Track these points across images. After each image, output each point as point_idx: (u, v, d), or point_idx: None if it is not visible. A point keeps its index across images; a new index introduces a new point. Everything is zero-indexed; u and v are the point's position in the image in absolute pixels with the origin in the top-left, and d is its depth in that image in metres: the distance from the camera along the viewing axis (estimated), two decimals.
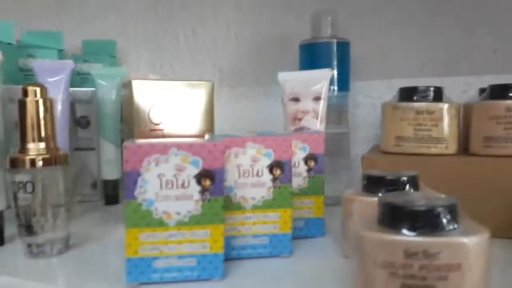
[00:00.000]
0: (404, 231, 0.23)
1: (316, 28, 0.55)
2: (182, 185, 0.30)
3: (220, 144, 0.30)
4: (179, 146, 0.30)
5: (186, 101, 0.43)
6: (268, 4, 0.66)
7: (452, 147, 0.42)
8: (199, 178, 0.30)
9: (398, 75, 0.58)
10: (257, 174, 0.34)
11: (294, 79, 0.47)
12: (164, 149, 0.29)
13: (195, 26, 0.72)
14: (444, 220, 0.23)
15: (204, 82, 0.44)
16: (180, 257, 0.30)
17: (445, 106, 0.42)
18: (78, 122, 0.58)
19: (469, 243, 0.22)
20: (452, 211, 0.24)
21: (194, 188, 0.30)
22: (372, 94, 0.60)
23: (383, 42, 0.59)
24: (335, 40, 0.54)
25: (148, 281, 0.29)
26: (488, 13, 0.54)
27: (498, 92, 0.41)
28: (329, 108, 0.53)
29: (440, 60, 0.56)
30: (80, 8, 0.80)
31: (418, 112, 0.43)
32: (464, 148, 0.43)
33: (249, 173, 0.34)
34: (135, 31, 0.76)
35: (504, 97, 0.40)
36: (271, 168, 0.34)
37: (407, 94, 0.44)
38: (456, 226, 0.23)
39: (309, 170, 0.40)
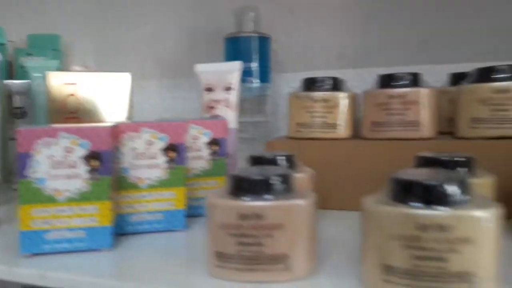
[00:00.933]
0: (242, 197, 0.27)
1: (239, 23, 0.59)
2: (71, 165, 0.33)
3: (106, 129, 0.33)
4: (67, 130, 0.33)
5: (103, 91, 0.46)
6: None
7: (346, 132, 0.47)
8: (88, 159, 0.33)
9: (319, 67, 0.63)
10: (152, 157, 0.38)
11: (208, 70, 0.50)
12: (53, 133, 0.33)
13: (136, 19, 0.75)
14: (275, 188, 0.27)
15: (120, 73, 0.47)
16: (71, 229, 0.33)
17: (340, 95, 0.46)
18: (14, 113, 0.61)
19: (291, 206, 0.26)
20: (284, 180, 0.28)
21: (83, 168, 0.33)
22: (296, 85, 0.63)
23: (306, 37, 0.63)
24: (256, 35, 0.57)
25: (41, 252, 0.33)
26: (403, 11, 0.58)
27: (384, 81, 0.45)
28: (250, 98, 0.57)
29: (356, 52, 0.61)
30: (27, 3, 0.82)
31: (315, 100, 0.47)
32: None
33: (144, 155, 0.38)
34: (79, 24, 0.79)
35: (388, 85, 0.44)
36: (165, 151, 0.38)
37: (308, 84, 0.48)
38: (287, 193, 0.27)
39: (212, 153, 0.44)
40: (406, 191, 0.23)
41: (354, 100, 0.47)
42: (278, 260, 0.26)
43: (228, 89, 0.50)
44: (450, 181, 0.23)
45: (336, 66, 0.62)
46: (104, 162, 0.33)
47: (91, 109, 0.46)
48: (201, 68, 0.51)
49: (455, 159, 0.32)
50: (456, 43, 0.56)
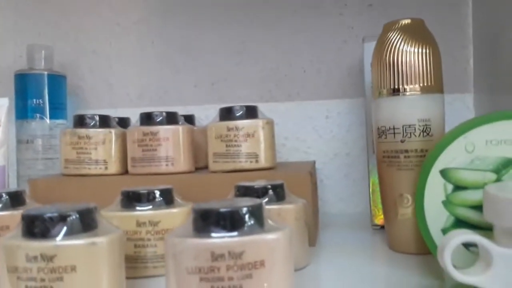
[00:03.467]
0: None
1: (31, 60, 0.58)
2: None
3: None
4: None
5: None
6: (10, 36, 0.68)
7: (112, 168, 0.48)
8: None
9: (122, 105, 0.64)
10: None
11: None
12: None
13: None
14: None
15: None
16: None
17: (105, 131, 0.48)
18: None
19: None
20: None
21: None
22: None
23: (109, 76, 0.65)
24: (46, 73, 0.58)
25: None
26: (191, 54, 0.63)
27: (142, 119, 0.47)
28: (42, 135, 0.57)
29: (154, 91, 0.64)
30: None
31: (80, 137, 0.47)
32: None
33: None
34: None
35: (145, 123, 0.47)
36: None
37: (77, 121, 0.49)
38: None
39: None
40: None
41: (120, 137, 0.49)
42: None
43: None
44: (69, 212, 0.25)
45: (137, 105, 0.64)
46: None
47: None
48: None
49: (154, 190, 0.35)
50: (240, 86, 0.62)
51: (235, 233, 0.23)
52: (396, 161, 0.37)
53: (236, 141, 0.44)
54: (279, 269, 0.24)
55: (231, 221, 0.24)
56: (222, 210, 0.24)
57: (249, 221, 0.24)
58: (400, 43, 0.37)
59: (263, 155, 0.45)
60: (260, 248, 0.23)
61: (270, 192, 0.34)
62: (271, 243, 0.24)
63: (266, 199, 0.34)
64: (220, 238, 0.23)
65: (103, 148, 0.48)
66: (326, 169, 0.60)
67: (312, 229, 0.42)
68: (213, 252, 0.23)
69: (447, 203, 0.27)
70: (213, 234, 0.23)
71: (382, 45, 0.38)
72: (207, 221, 0.24)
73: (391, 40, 0.37)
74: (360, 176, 0.58)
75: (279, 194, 0.35)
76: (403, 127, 0.36)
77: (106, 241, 0.25)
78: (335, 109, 0.59)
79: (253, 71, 0.61)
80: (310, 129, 0.60)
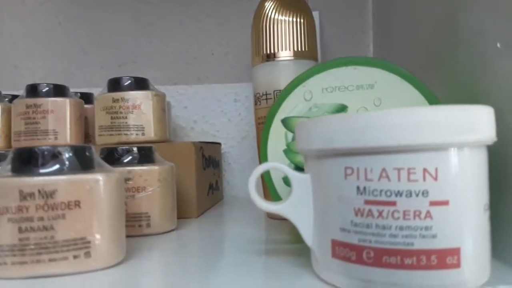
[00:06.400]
0: None
1: None
2: None
3: None
4: None
5: None
6: None
7: None
8: None
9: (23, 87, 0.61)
10: None
11: None
12: None
13: None
14: None
15: None
16: None
17: None
18: None
19: None
20: None
21: None
22: None
23: (15, 57, 0.62)
24: None
25: None
26: (98, 35, 0.61)
27: (30, 91, 0.45)
28: None
29: (60, 73, 0.62)
30: None
31: None
32: None
33: None
34: None
35: (32, 96, 0.45)
36: None
37: None
38: None
39: None
40: None
41: (10, 112, 0.46)
42: None
43: None
44: None
45: None
46: None
47: None
48: None
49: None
50: (149, 68, 0.61)
51: (47, 171, 0.22)
52: None
53: (121, 113, 0.43)
54: (97, 212, 0.23)
55: (45, 160, 0.23)
56: (37, 149, 0.23)
57: (68, 162, 0.23)
58: (274, 10, 0.37)
59: (151, 128, 0.44)
60: (75, 188, 0.22)
61: (135, 153, 0.33)
62: (88, 184, 0.23)
63: (129, 157, 0.33)
64: (30, 177, 0.22)
65: None
66: (234, 152, 0.59)
67: (194, 200, 0.41)
68: (22, 190, 0.22)
69: (288, 151, 0.27)
70: (25, 173, 0.22)
71: (258, 13, 0.39)
72: (22, 160, 0.23)
73: (266, 7, 0.38)
74: None
75: (145, 156, 0.34)
76: (274, 92, 0.37)
77: None
78: (243, 92, 0.59)
79: (162, 53, 0.61)
80: (219, 112, 0.60)
